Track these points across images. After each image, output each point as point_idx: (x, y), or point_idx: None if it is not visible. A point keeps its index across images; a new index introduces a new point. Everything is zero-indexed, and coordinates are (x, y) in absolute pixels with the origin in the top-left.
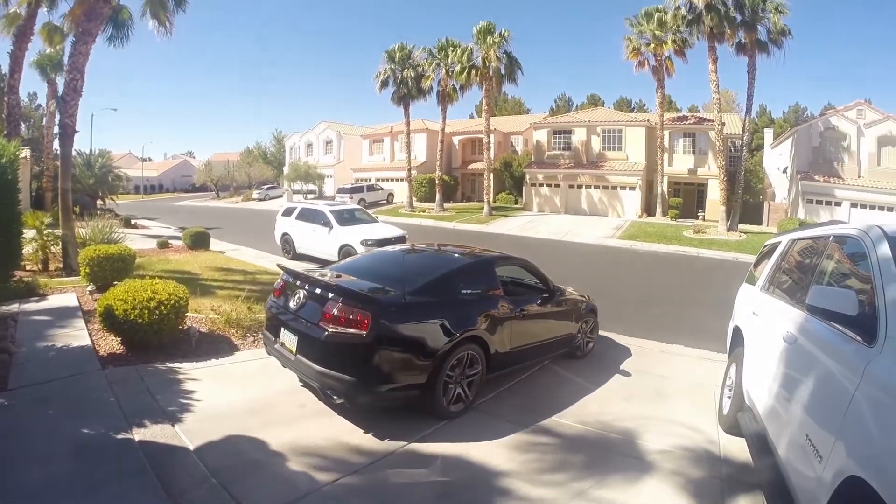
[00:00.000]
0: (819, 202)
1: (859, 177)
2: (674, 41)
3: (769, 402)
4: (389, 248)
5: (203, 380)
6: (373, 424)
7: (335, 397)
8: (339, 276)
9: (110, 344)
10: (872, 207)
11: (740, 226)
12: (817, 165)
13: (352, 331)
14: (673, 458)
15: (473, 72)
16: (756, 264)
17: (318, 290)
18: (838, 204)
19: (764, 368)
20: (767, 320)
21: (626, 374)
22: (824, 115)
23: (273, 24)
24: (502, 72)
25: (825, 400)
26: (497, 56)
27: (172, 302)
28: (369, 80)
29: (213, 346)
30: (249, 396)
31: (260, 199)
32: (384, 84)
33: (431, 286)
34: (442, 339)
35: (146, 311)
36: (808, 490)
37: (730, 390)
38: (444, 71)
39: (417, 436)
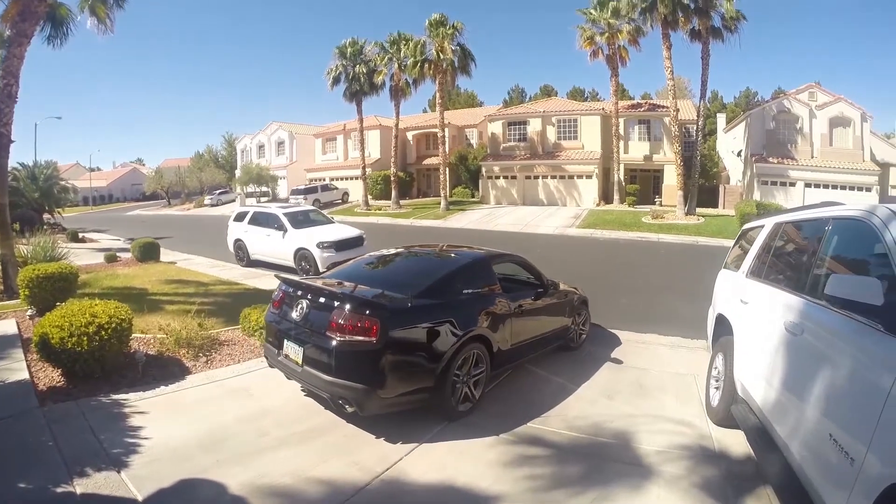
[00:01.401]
0: (774, 183)
1: (812, 157)
2: (628, 30)
3: (772, 397)
4: (384, 251)
5: (151, 412)
6: (342, 452)
7: (347, 407)
8: (339, 284)
9: (51, 376)
10: (826, 186)
11: (698, 209)
12: (771, 148)
13: (361, 338)
14: (670, 458)
15: (427, 65)
16: (735, 249)
17: (322, 300)
18: (793, 184)
19: (762, 360)
20: (762, 309)
21: (604, 368)
22: (777, 99)
23: (221, 23)
24: (456, 64)
25: (851, 398)
26: (450, 48)
27: (114, 325)
28: (321, 78)
29: (163, 370)
30: (204, 428)
31: (212, 205)
32: (336, 81)
33: (434, 288)
34: (448, 341)
35: (85, 338)
36: (835, 493)
37: (716, 381)
38: (396, 65)
39: (390, 464)
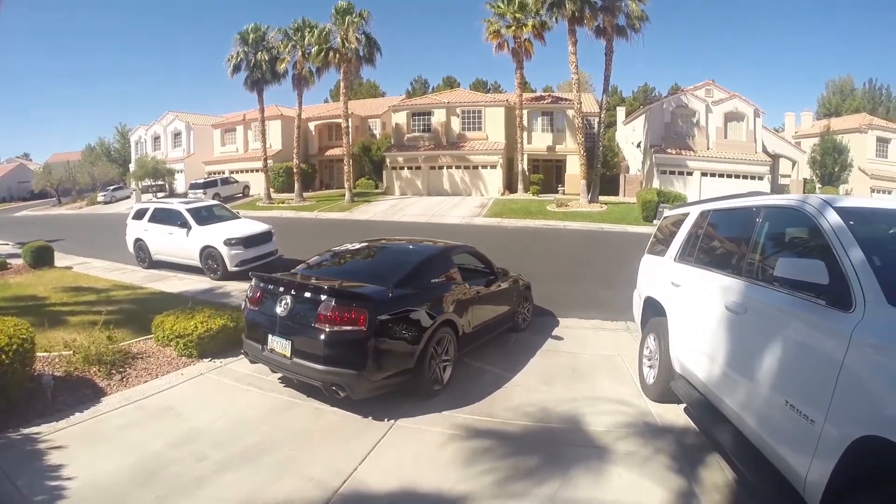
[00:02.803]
0: (672, 172)
1: (708, 149)
2: (534, 24)
3: (717, 371)
4: (348, 246)
5: (70, 445)
6: (292, 468)
7: (340, 392)
8: (316, 279)
9: None
10: (721, 176)
11: (600, 197)
12: (669, 139)
13: (350, 328)
14: (620, 437)
15: (331, 53)
16: (658, 235)
17: (307, 294)
18: (690, 174)
19: (702, 338)
20: (696, 291)
21: (536, 355)
22: (676, 94)
23: (112, 5)
24: (361, 54)
25: (805, 366)
26: (356, 37)
27: (15, 347)
28: (221, 66)
29: (74, 393)
30: (133, 459)
31: (106, 203)
32: (237, 68)
33: (407, 279)
34: (425, 325)
35: None
36: (798, 453)
37: (649, 360)
38: (300, 53)
39: (346, 476)
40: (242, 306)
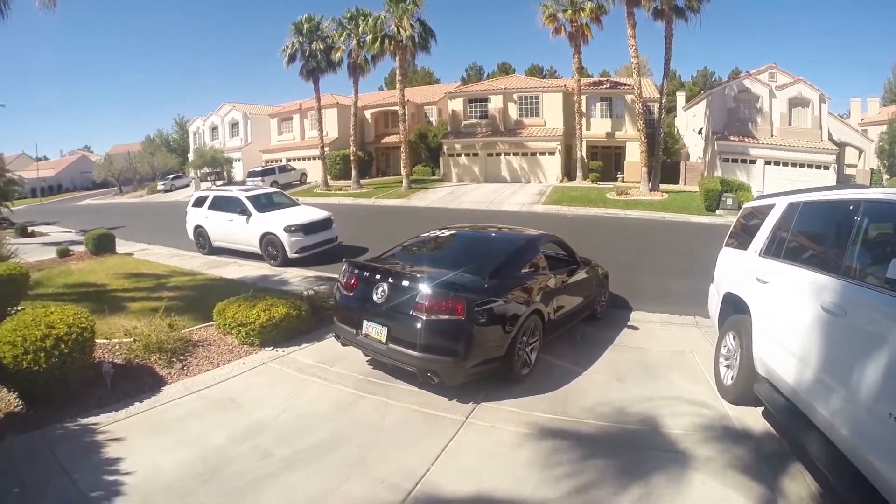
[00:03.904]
0: (734, 161)
1: (772, 136)
2: (591, 8)
3: (808, 376)
4: (435, 233)
5: (129, 437)
6: (361, 468)
7: (434, 378)
8: (411, 267)
9: (6, 400)
10: (786, 164)
11: (661, 185)
12: (732, 126)
13: (448, 317)
14: (699, 441)
15: (386, 41)
16: (740, 228)
17: (405, 282)
18: (753, 162)
19: (793, 340)
20: (787, 288)
21: (605, 349)
22: (738, 79)
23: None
24: (416, 41)
25: None
26: (410, 24)
27: (74, 336)
28: (276, 56)
29: (134, 382)
30: (195, 453)
31: (166, 191)
32: (292, 58)
33: (501, 268)
34: (517, 314)
35: (42, 354)
36: None
37: (726, 360)
38: (354, 42)
39: (418, 478)
40: (334, 291)
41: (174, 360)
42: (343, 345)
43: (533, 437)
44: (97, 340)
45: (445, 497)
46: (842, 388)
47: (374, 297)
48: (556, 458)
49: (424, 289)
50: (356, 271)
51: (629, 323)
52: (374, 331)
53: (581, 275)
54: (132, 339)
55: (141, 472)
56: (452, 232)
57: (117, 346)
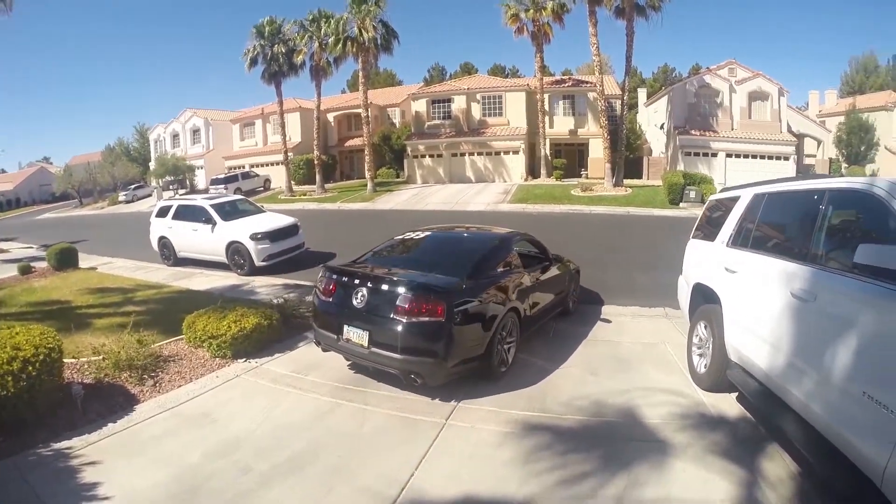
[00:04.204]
0: (696, 154)
1: (733, 129)
2: (553, 7)
3: (781, 360)
4: (411, 234)
5: (104, 460)
6: (344, 477)
7: (417, 380)
8: (388, 270)
9: None
10: (747, 156)
11: (624, 181)
12: (693, 121)
13: (429, 319)
14: (677, 429)
15: (349, 43)
16: (706, 219)
17: (384, 286)
18: (714, 155)
19: (765, 326)
20: (756, 277)
21: (577, 344)
22: (698, 74)
23: (125, 5)
24: (378, 42)
25: (886, 356)
26: (373, 26)
27: (42, 357)
28: (238, 60)
29: (105, 402)
30: (172, 473)
31: (127, 202)
32: (253, 62)
33: (477, 268)
34: (495, 313)
35: (10, 378)
36: (877, 445)
37: (699, 349)
38: (317, 44)
39: (403, 485)
40: (312, 296)
41: (145, 376)
42: (324, 350)
43: (513, 435)
44: (65, 360)
45: (432, 502)
46: (815, 371)
47: (354, 302)
48: (538, 454)
49: (404, 292)
50: (334, 276)
51: (601, 317)
52: (356, 335)
53: (554, 271)
54: (101, 357)
55: (119, 497)
56: (426, 234)
57: (86, 366)
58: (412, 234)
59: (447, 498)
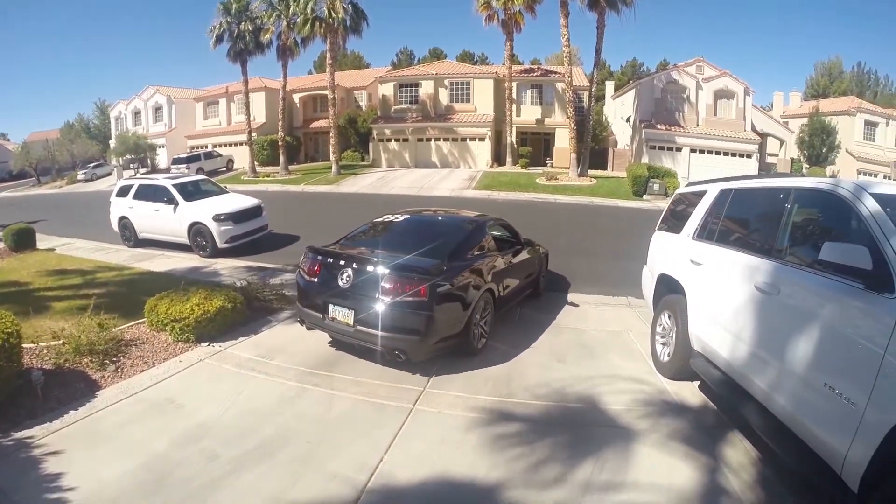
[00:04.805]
0: (661, 148)
1: (698, 125)
2: None
3: (743, 351)
4: (391, 217)
5: (68, 449)
6: (312, 463)
7: (401, 356)
8: (372, 251)
9: None
10: (710, 152)
11: (589, 171)
12: (659, 115)
13: (412, 299)
14: (641, 416)
15: (318, 23)
16: (672, 212)
17: (369, 268)
18: (679, 149)
19: (727, 317)
20: (721, 269)
21: (543, 331)
22: (666, 70)
23: None
24: (347, 24)
25: (846, 349)
26: (342, 6)
27: (0, 342)
28: (203, 37)
29: (66, 388)
30: (138, 462)
31: (87, 181)
32: (219, 39)
33: (457, 251)
34: (473, 294)
35: None
36: (838, 433)
37: (662, 337)
38: (284, 23)
39: (372, 470)
40: (296, 277)
41: (107, 361)
42: (308, 329)
43: (482, 420)
44: (24, 345)
45: (401, 486)
46: (778, 361)
47: (340, 283)
48: (507, 440)
49: (389, 273)
50: (319, 257)
51: (558, 308)
52: (341, 314)
53: (525, 255)
54: (61, 341)
55: (84, 487)
56: (405, 217)
57: (45, 351)
58: (391, 217)
59: (417, 482)
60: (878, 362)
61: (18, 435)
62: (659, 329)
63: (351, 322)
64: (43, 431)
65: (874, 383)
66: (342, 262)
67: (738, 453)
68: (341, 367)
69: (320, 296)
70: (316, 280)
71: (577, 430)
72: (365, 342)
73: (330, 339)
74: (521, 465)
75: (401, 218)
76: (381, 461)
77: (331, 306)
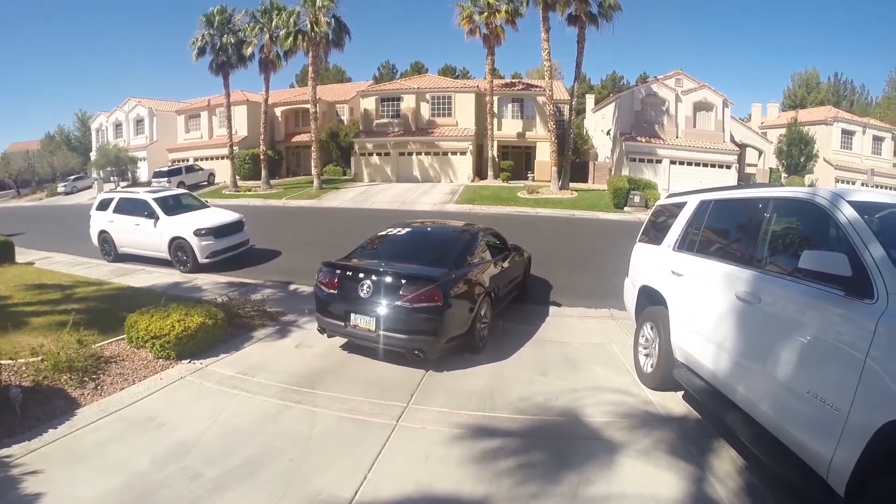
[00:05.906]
0: (642, 160)
1: (678, 137)
2: (507, 10)
3: (726, 359)
4: (393, 230)
5: (47, 469)
6: (296, 482)
7: (420, 355)
8: (385, 263)
9: None
10: (690, 164)
11: (570, 184)
12: (639, 128)
13: (429, 304)
14: (626, 428)
15: (300, 37)
16: (652, 224)
17: (388, 279)
18: (659, 161)
19: (709, 327)
20: (702, 280)
21: (525, 344)
22: (646, 83)
23: None
24: (330, 37)
25: (827, 355)
26: (325, 20)
27: None
28: (185, 50)
29: (45, 406)
30: (119, 482)
31: (67, 193)
32: (201, 52)
33: (460, 258)
34: (477, 296)
35: None
36: (822, 439)
37: (645, 349)
38: (267, 36)
39: (353, 492)
40: (314, 290)
41: (86, 379)
42: (329, 336)
43: (466, 436)
44: (1, 361)
45: (386, 503)
46: (760, 369)
47: (360, 293)
48: (492, 455)
49: (407, 283)
50: (337, 271)
51: (540, 321)
52: (363, 321)
53: (513, 259)
54: (39, 358)
55: None
56: (408, 229)
57: (24, 367)
58: (394, 231)
59: (401, 499)
60: (860, 367)
61: None
62: (642, 340)
63: (373, 328)
64: (22, 450)
65: (857, 388)
66: (361, 275)
67: (724, 462)
68: (324, 383)
69: (341, 305)
70: (335, 292)
71: (562, 443)
72: (387, 345)
73: (312, 356)
74: (506, 480)
75: (403, 231)
76: (366, 478)
77: (352, 315)
